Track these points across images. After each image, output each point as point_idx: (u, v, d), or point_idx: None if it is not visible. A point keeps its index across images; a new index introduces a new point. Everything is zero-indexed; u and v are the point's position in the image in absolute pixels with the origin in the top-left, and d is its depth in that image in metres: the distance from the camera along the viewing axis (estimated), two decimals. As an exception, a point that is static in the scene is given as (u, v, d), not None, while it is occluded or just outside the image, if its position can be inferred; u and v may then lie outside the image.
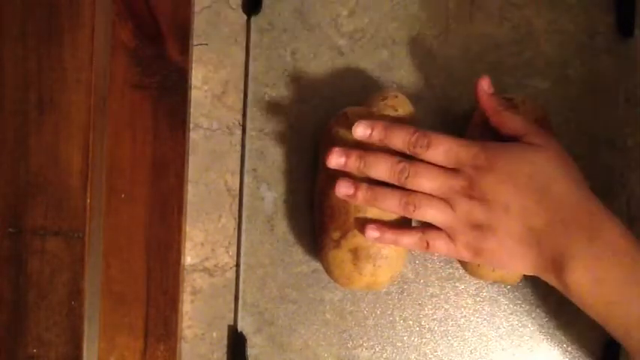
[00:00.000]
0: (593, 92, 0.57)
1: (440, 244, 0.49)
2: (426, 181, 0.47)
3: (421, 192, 0.48)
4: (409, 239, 0.49)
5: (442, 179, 0.47)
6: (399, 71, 0.57)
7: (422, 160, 0.48)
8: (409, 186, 0.48)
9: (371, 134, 0.48)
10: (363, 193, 0.48)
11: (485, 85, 0.50)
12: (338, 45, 0.57)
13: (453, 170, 0.47)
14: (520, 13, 0.57)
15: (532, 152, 0.47)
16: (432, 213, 0.48)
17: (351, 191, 0.48)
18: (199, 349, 0.57)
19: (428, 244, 0.49)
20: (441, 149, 0.47)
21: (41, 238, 0.49)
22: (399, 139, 0.48)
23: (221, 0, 0.57)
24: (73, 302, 0.49)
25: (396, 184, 0.48)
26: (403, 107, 0.52)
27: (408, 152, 0.48)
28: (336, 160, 0.48)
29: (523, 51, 0.57)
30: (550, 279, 0.47)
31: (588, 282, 0.45)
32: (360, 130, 0.48)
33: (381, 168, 0.48)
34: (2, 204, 0.49)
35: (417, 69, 0.57)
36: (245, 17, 0.57)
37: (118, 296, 0.54)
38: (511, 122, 0.49)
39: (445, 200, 0.48)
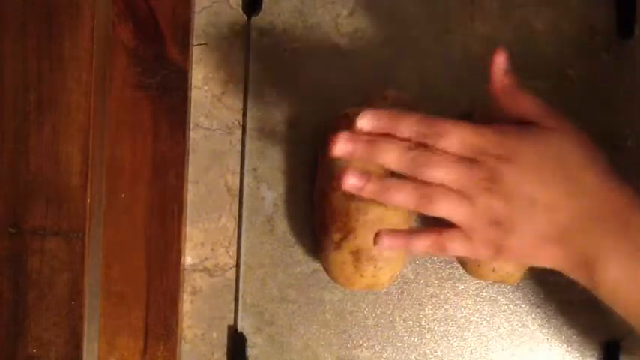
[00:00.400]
0: (593, 92, 0.57)
1: (457, 244, 0.43)
2: (443, 172, 0.42)
3: (436, 184, 0.42)
4: (424, 242, 0.44)
5: (460, 170, 0.42)
6: (399, 71, 0.56)
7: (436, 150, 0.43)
8: (423, 177, 0.42)
9: (377, 123, 0.43)
10: (372, 186, 0.43)
11: (501, 61, 0.44)
12: (338, 45, 0.57)
13: (471, 160, 0.42)
14: (520, 13, 0.57)
15: (557, 138, 0.42)
16: (448, 208, 0.42)
17: (361, 183, 0.43)
18: (199, 349, 0.57)
19: (444, 246, 0.44)
20: (456, 137, 0.42)
21: (41, 238, 0.49)
22: (408, 128, 0.42)
23: (221, 0, 0.57)
24: (73, 302, 0.49)
25: (409, 174, 0.43)
26: (403, 106, 0.52)
27: (419, 142, 0.42)
28: (342, 146, 0.43)
29: (523, 51, 0.57)
30: (578, 277, 0.43)
31: (622, 280, 0.41)
32: (366, 120, 0.43)
33: (392, 155, 0.42)
34: (2, 204, 0.49)
35: (417, 69, 0.57)
36: (245, 17, 0.57)
37: (118, 296, 0.54)
38: (527, 102, 0.44)
39: (463, 194, 0.42)
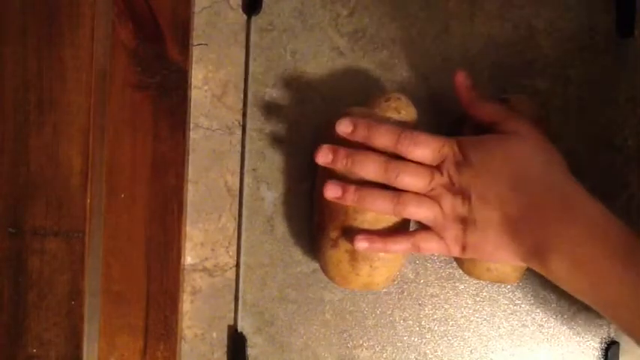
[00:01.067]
0: (593, 92, 0.57)
1: (431, 244, 0.49)
2: (413, 180, 0.48)
3: (410, 191, 0.48)
4: (399, 246, 0.49)
5: (427, 177, 0.48)
6: (399, 71, 0.57)
7: (410, 160, 0.48)
8: (398, 185, 0.48)
9: (353, 132, 0.48)
10: (351, 195, 0.48)
11: (461, 78, 0.51)
12: (338, 45, 0.57)
13: (437, 167, 0.48)
14: (520, 13, 0.57)
15: (505, 140, 0.47)
16: (421, 211, 0.48)
17: (338, 193, 0.48)
18: (199, 349, 0.57)
19: (419, 247, 0.49)
20: (425, 147, 0.48)
21: (41, 238, 0.49)
22: (384, 138, 0.48)
23: (221, 0, 0.57)
24: (73, 302, 0.49)
25: (385, 183, 0.48)
26: (406, 109, 0.52)
27: (393, 151, 0.48)
28: (323, 157, 0.49)
29: (523, 51, 0.57)
30: (535, 266, 0.46)
31: (570, 266, 0.44)
32: (343, 127, 0.48)
33: (369, 166, 0.48)
34: (2, 204, 0.49)
35: (417, 69, 0.57)
36: (245, 17, 0.57)
37: (118, 296, 0.54)
38: (484, 109, 0.50)
39: (431, 197, 0.48)
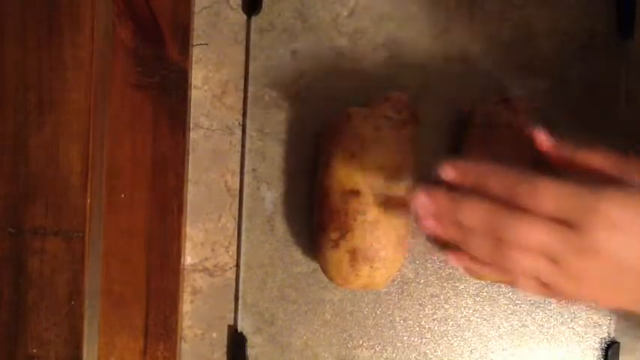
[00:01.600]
0: (593, 92, 0.57)
1: (533, 288, 0.43)
2: (531, 238, 0.40)
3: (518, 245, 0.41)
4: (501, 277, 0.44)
5: (553, 236, 0.39)
6: (399, 71, 0.56)
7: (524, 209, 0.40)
8: (509, 238, 0.40)
9: (463, 179, 0.42)
10: (451, 233, 0.42)
11: (542, 138, 0.44)
12: (338, 45, 0.57)
13: (566, 224, 0.39)
14: (520, 13, 0.57)
15: None
16: (528, 270, 0.41)
17: (438, 230, 0.43)
18: (199, 349, 0.57)
19: (518, 283, 0.43)
20: (549, 198, 0.39)
21: (41, 238, 0.49)
22: (497, 185, 0.41)
23: (221, 0, 0.57)
24: (73, 302, 0.49)
25: (490, 236, 0.41)
26: (407, 110, 0.52)
27: (508, 200, 0.40)
28: (423, 203, 0.43)
29: (523, 51, 0.57)
30: None
31: None
32: (450, 174, 0.43)
33: (475, 216, 0.41)
34: (2, 204, 0.49)
35: (417, 69, 0.57)
36: (245, 17, 0.57)
37: (118, 296, 0.54)
38: (594, 159, 0.42)
39: (549, 256, 0.40)
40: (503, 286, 0.56)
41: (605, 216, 0.38)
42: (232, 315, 0.56)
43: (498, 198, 0.40)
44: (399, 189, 0.50)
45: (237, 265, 0.56)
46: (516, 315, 0.56)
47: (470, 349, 0.56)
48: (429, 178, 0.55)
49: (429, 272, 0.56)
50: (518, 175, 0.40)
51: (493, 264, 0.42)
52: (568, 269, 0.40)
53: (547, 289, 0.42)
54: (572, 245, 0.39)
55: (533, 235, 0.40)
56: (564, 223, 0.39)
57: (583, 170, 0.42)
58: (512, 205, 0.40)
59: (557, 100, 0.57)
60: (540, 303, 0.56)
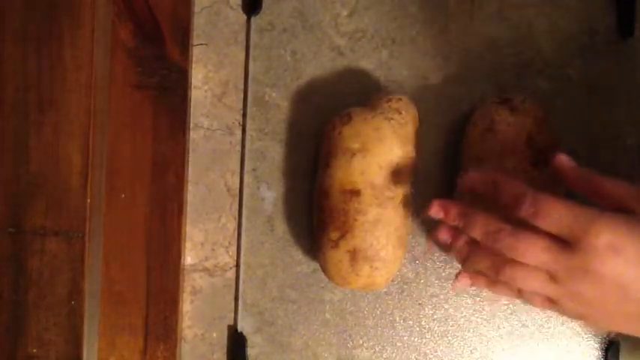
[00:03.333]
0: (593, 92, 0.57)
1: (539, 303, 0.45)
2: (529, 256, 0.41)
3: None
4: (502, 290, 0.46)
5: (551, 256, 0.41)
6: (399, 71, 0.56)
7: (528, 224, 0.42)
8: (508, 256, 0.42)
9: (480, 187, 0.45)
10: (459, 246, 0.46)
11: (564, 160, 0.45)
12: (338, 45, 0.57)
13: (565, 244, 0.40)
14: (520, 13, 0.57)
15: None
16: (529, 287, 0.43)
17: (448, 241, 0.47)
18: (199, 349, 0.57)
19: (527, 298, 0.45)
20: (554, 217, 0.40)
21: (41, 238, 0.49)
22: (507, 196, 0.43)
23: (221, 0, 0.57)
24: (73, 302, 0.49)
25: (494, 249, 0.43)
26: (407, 110, 0.52)
27: (514, 213, 0.42)
28: (435, 211, 0.46)
29: (523, 51, 0.57)
30: None
31: None
32: (469, 181, 0.46)
33: (477, 230, 0.43)
34: (2, 204, 0.49)
35: (417, 69, 0.57)
36: (245, 17, 0.57)
37: (118, 296, 0.54)
38: (604, 188, 0.43)
39: (551, 274, 0.42)
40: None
41: (604, 239, 0.39)
42: (232, 315, 0.56)
43: (505, 213, 0.42)
44: (399, 189, 0.50)
45: (237, 265, 0.56)
46: (516, 315, 0.56)
47: (470, 349, 0.56)
48: (429, 178, 0.56)
49: (429, 272, 0.56)
50: (526, 191, 0.41)
51: (499, 282, 0.44)
52: (568, 288, 0.41)
53: (553, 304, 0.44)
54: (569, 265, 0.40)
55: (533, 253, 0.41)
56: (565, 242, 0.40)
57: (598, 195, 0.43)
58: (515, 222, 0.42)
59: (557, 100, 0.57)
60: (540, 303, 0.56)
